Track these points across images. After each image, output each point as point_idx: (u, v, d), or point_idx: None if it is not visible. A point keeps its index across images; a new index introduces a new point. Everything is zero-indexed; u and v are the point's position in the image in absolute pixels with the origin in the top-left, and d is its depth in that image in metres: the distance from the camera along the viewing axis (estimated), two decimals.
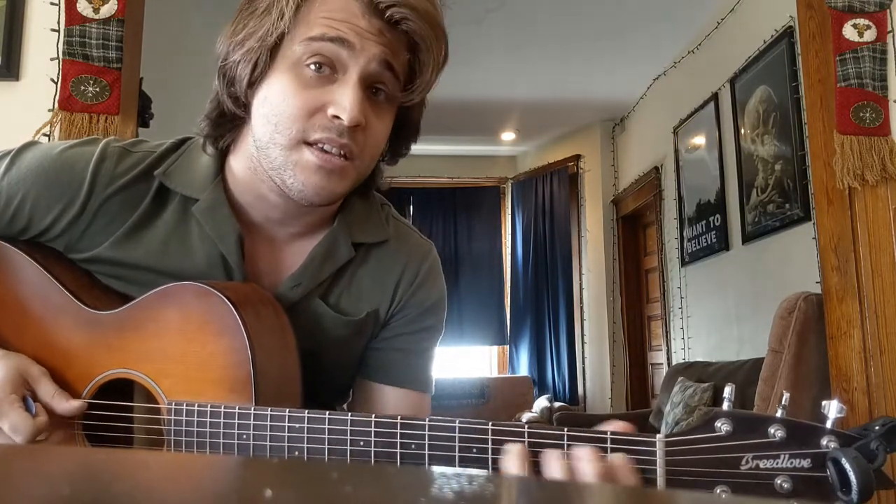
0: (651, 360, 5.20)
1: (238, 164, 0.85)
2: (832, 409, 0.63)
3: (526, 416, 5.16)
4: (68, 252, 0.86)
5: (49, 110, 1.86)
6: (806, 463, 0.62)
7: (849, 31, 2.18)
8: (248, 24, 0.78)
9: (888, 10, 2.19)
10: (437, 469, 0.71)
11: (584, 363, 5.80)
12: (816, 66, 2.23)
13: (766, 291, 3.31)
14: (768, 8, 3.30)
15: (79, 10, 1.88)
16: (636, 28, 4.17)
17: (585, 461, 0.64)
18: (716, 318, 3.98)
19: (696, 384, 3.46)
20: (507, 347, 6.48)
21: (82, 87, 1.86)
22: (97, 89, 1.86)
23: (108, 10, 1.88)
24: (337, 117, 0.75)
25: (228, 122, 0.84)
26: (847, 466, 0.59)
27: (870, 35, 2.18)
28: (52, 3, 1.91)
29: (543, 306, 6.13)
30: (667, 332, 4.69)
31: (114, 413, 0.82)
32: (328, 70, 0.76)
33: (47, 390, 0.79)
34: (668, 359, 4.61)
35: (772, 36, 3.25)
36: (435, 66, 0.81)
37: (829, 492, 0.61)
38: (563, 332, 5.94)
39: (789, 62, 3.10)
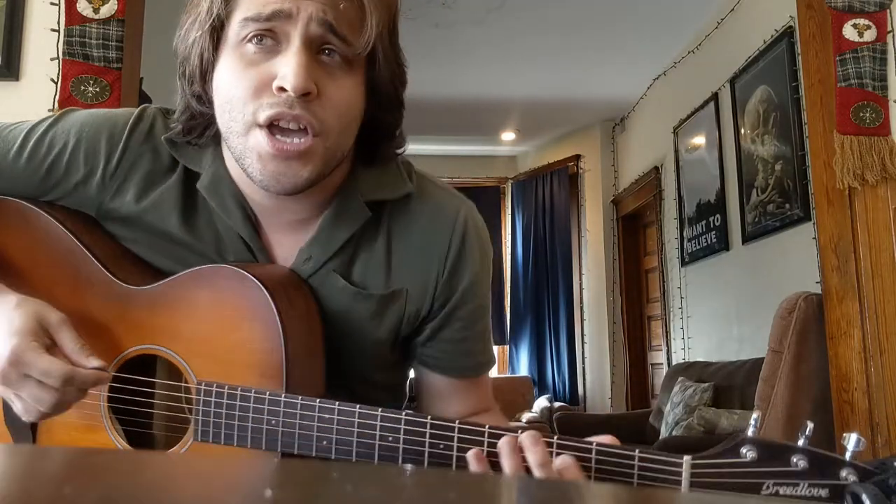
0: (651, 360, 5.20)
1: (226, 155, 0.83)
2: (851, 441, 0.65)
3: (526, 417, 5.16)
4: (101, 212, 0.85)
5: (49, 110, 1.86)
6: (824, 493, 0.64)
7: (849, 31, 2.18)
8: (190, 16, 0.78)
9: (888, 10, 2.19)
10: (437, 469, 0.72)
11: (584, 363, 5.80)
12: (816, 66, 2.23)
13: (766, 291, 3.31)
14: (768, 8, 3.30)
15: (79, 10, 1.88)
16: (636, 28, 4.17)
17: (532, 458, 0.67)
18: (716, 318, 3.98)
19: (696, 384, 3.46)
20: (507, 347, 6.47)
21: (82, 87, 1.86)
22: (97, 89, 1.86)
23: (108, 10, 1.88)
24: (282, 89, 0.71)
25: (200, 125, 0.81)
26: (867, 502, 0.61)
27: (870, 35, 2.18)
28: (52, 3, 1.91)
29: (543, 306, 6.12)
30: (667, 332, 4.68)
31: (141, 388, 0.82)
32: (270, 41, 0.72)
33: (70, 341, 0.74)
34: (668, 359, 4.61)
35: (772, 36, 3.25)
36: (379, 5, 0.75)
37: None
38: (563, 332, 5.94)
39: (789, 62, 3.10)
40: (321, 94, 0.73)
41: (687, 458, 0.67)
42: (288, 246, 0.85)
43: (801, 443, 0.66)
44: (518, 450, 0.68)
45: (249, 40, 0.73)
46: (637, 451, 0.68)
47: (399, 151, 0.87)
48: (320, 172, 0.76)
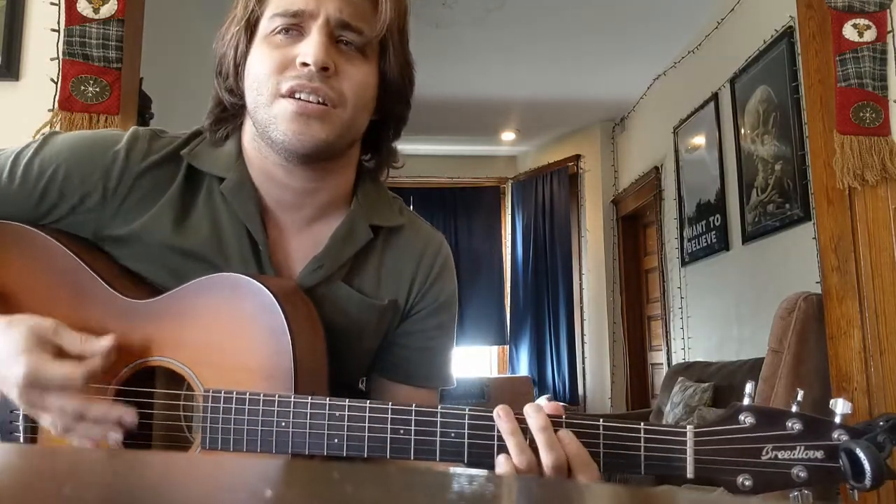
0: (651, 360, 5.20)
1: (248, 147, 0.89)
2: (839, 406, 0.69)
3: None
4: (98, 233, 0.87)
5: (49, 110, 1.86)
6: (819, 454, 0.68)
7: (849, 31, 2.18)
8: (227, 20, 0.88)
9: (888, 10, 2.19)
10: (438, 469, 0.72)
11: (584, 363, 5.80)
12: (816, 66, 2.23)
13: (766, 291, 3.31)
14: (768, 8, 3.30)
15: (79, 10, 1.88)
16: (636, 28, 4.17)
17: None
18: (716, 318, 3.98)
19: (696, 384, 3.46)
20: (507, 347, 6.47)
21: (82, 87, 1.86)
22: (97, 89, 1.86)
23: (108, 10, 1.88)
24: (304, 64, 0.80)
25: (231, 117, 0.90)
26: (861, 455, 0.65)
27: (870, 35, 2.18)
28: (52, 3, 1.91)
29: (543, 306, 6.12)
30: (667, 332, 4.68)
31: (146, 400, 0.82)
32: (296, 32, 0.83)
33: (71, 340, 0.76)
34: (668, 359, 4.60)
35: (772, 36, 3.25)
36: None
37: (842, 481, 0.67)
38: (563, 332, 5.93)
39: (789, 62, 3.10)
40: (338, 72, 0.82)
41: (690, 428, 0.71)
42: (291, 253, 0.91)
43: (794, 409, 0.70)
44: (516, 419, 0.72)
45: (278, 32, 0.83)
46: (642, 424, 0.71)
47: (396, 165, 0.98)
48: (336, 139, 0.83)
